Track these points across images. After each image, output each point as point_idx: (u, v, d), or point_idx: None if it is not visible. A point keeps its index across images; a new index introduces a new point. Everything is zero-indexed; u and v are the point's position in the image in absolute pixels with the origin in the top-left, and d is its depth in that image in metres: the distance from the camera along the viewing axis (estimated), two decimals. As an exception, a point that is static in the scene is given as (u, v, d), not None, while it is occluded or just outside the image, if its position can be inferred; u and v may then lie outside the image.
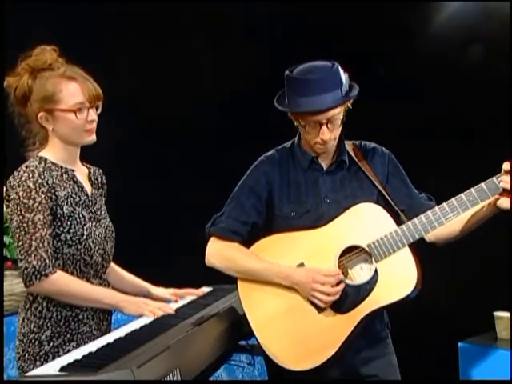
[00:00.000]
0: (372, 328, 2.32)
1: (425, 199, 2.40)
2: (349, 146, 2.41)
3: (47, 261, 2.01)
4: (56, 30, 3.47)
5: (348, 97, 2.26)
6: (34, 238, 2.00)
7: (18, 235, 2.03)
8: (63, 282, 2.04)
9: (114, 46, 3.99)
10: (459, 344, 3.22)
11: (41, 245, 2.01)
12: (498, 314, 3.21)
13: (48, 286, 2.01)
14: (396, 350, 2.42)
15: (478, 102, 3.50)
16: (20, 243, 2.02)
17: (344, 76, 2.27)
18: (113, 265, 2.36)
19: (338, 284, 2.22)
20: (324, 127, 2.25)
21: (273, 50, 3.87)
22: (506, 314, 3.19)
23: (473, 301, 3.43)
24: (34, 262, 1.99)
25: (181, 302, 2.35)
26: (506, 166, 2.13)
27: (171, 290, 2.43)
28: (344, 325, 2.21)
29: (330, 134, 2.27)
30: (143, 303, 2.12)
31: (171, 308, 2.17)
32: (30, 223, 2.01)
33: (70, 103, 2.09)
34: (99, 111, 2.16)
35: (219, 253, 2.35)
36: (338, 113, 2.26)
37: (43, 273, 1.99)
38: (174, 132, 4.11)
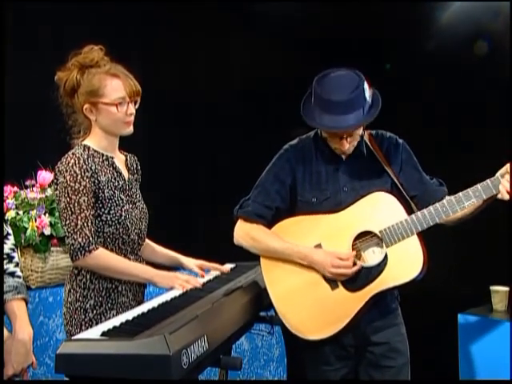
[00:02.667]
0: (383, 301, 2.43)
1: (436, 185, 2.49)
2: (366, 135, 2.49)
3: (90, 238, 2.13)
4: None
5: (369, 115, 2.31)
6: (79, 217, 2.13)
7: (65, 215, 2.15)
8: (104, 257, 2.17)
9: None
10: (459, 315, 3.41)
11: (85, 224, 2.13)
12: (494, 288, 3.42)
13: (91, 261, 2.14)
14: (404, 320, 2.52)
15: (484, 99, 3.55)
16: (67, 222, 2.14)
17: (368, 92, 2.31)
18: (146, 240, 2.45)
19: (354, 265, 2.31)
20: (344, 140, 2.34)
21: (292, 44, 3.87)
22: (501, 288, 3.38)
23: (471, 277, 3.56)
24: (80, 240, 2.12)
25: (207, 277, 2.45)
26: (507, 166, 2.23)
27: (199, 262, 2.52)
28: (354, 302, 2.32)
29: (348, 146, 2.37)
30: (174, 277, 2.23)
31: (199, 282, 2.27)
32: (76, 204, 2.13)
33: (112, 97, 2.21)
34: (137, 106, 2.27)
35: (246, 233, 2.46)
36: (358, 128, 2.35)
37: (87, 249, 2.12)
38: (199, 120, 4.14)
